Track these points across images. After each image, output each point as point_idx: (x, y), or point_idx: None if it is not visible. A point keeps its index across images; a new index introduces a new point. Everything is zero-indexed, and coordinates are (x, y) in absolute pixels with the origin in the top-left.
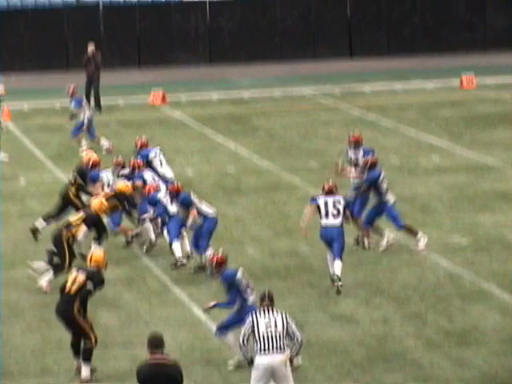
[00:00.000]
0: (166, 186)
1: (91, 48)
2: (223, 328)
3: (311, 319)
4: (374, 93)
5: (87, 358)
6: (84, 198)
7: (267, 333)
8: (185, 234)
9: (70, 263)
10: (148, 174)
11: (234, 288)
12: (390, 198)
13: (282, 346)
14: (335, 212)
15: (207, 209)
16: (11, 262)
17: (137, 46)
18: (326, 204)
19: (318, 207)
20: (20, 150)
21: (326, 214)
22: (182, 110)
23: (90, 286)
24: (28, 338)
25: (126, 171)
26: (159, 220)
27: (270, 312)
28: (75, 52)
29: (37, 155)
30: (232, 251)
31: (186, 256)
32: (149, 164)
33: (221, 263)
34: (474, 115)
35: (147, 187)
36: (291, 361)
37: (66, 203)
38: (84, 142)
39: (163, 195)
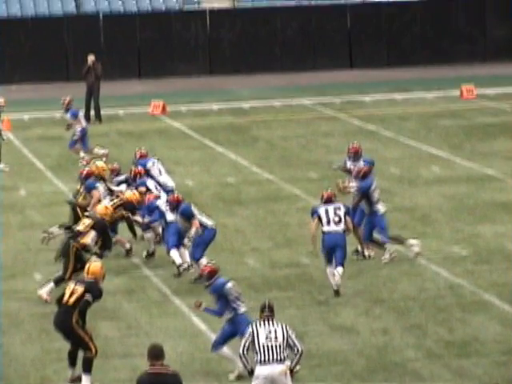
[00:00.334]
0: (167, 195)
1: (91, 58)
2: (217, 343)
3: (311, 330)
4: (374, 103)
5: (88, 369)
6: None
7: (267, 344)
8: (188, 243)
9: (71, 275)
10: (150, 182)
11: (222, 298)
12: (380, 208)
13: (282, 357)
14: (337, 219)
15: (207, 220)
16: (11, 272)
17: (137, 56)
18: (326, 212)
19: (320, 217)
20: (20, 161)
21: (328, 222)
22: (182, 121)
23: (88, 297)
24: (28, 348)
25: (122, 177)
26: (160, 229)
27: (270, 323)
28: (75, 62)
29: (37, 166)
30: (232, 262)
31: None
32: (147, 173)
33: (212, 273)
34: (474, 126)
35: (148, 195)
36: (292, 371)
37: (77, 212)
38: (82, 154)
39: (162, 203)
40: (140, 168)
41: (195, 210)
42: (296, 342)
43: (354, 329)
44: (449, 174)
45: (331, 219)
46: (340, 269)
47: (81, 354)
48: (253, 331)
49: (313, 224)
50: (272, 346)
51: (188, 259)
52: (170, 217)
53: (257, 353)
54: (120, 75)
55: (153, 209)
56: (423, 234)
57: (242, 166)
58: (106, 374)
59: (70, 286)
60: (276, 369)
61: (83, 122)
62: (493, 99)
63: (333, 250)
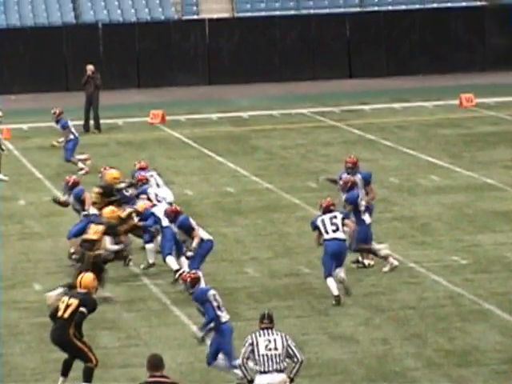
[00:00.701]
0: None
1: (90, 68)
2: (210, 358)
3: (311, 339)
4: (373, 113)
5: (88, 379)
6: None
7: (267, 353)
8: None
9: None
10: (151, 190)
11: (207, 303)
12: (366, 219)
13: (281, 367)
14: (334, 228)
15: (204, 233)
16: (11, 282)
17: (136, 66)
18: (323, 222)
19: (318, 228)
20: (19, 171)
21: (326, 232)
22: (182, 130)
23: (83, 309)
24: (28, 358)
25: (122, 185)
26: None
27: (270, 333)
28: (74, 72)
29: (36, 175)
30: (232, 271)
31: None
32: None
33: (195, 281)
34: (474, 135)
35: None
36: (291, 381)
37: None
38: (81, 165)
39: (158, 210)
40: (142, 174)
41: (193, 222)
42: (296, 351)
43: (354, 338)
44: (448, 183)
45: (329, 229)
46: (342, 269)
47: (76, 366)
48: (252, 341)
49: (314, 236)
50: (272, 356)
51: (186, 268)
52: (166, 222)
53: (256, 362)
54: (119, 85)
55: (148, 215)
56: (423, 243)
57: (242, 176)
58: (106, 383)
59: (64, 299)
60: (276, 378)
61: (74, 133)
62: (492, 108)
63: (335, 255)
